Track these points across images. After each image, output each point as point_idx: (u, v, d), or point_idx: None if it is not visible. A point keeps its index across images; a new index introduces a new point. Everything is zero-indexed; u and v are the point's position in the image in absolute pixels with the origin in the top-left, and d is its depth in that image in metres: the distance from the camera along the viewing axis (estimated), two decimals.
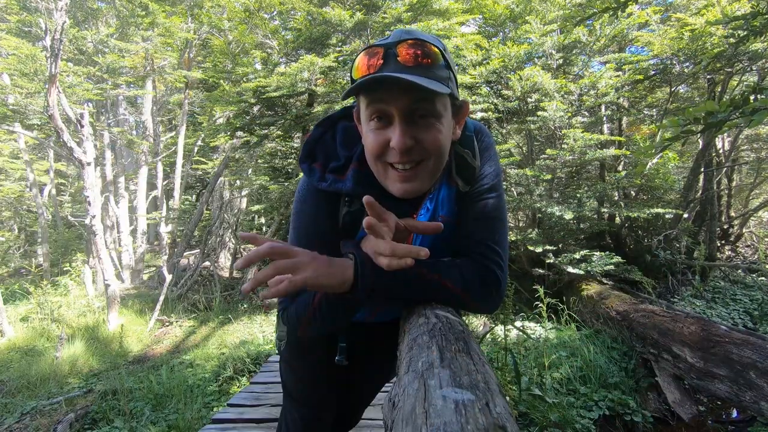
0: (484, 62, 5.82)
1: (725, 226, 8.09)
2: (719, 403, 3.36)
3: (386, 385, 1.46)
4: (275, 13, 6.78)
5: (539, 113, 5.38)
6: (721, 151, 7.77)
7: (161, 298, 6.36)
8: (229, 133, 7.15)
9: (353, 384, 1.23)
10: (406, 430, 0.40)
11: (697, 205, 7.07)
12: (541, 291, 4.22)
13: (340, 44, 6.17)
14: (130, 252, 9.70)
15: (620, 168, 6.50)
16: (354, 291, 0.76)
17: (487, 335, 3.66)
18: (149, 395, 3.69)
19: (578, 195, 5.86)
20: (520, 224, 7.59)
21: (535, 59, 6.16)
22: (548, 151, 5.51)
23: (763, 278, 5.88)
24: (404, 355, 0.63)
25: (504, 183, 6.14)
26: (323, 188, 0.84)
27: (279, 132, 6.90)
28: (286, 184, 6.31)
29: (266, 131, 6.85)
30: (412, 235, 0.88)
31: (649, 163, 5.63)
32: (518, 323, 4.47)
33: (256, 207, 7.90)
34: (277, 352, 0.68)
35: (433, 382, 0.45)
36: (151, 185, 11.81)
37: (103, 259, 6.14)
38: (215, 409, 3.28)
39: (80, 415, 3.48)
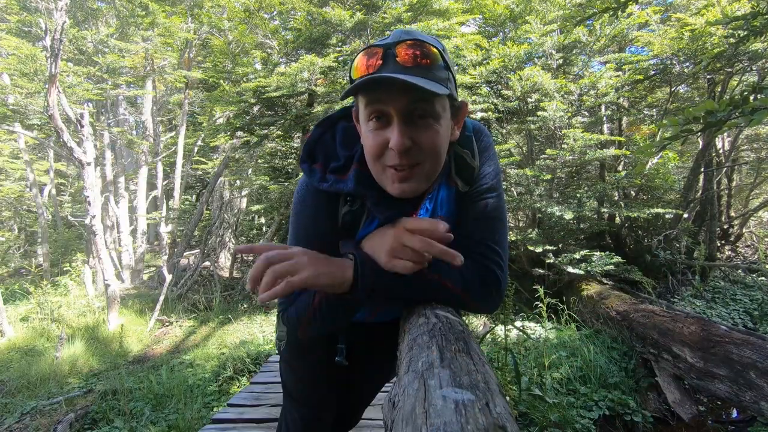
0: (484, 62, 5.82)
1: (725, 226, 8.09)
2: (719, 403, 3.36)
3: (386, 385, 1.46)
4: (275, 13, 6.78)
5: (539, 113, 5.38)
6: (721, 151, 7.77)
7: (161, 298, 6.36)
8: (229, 133, 7.15)
9: (353, 384, 1.22)
10: (406, 430, 0.40)
11: (697, 205, 7.07)
12: (541, 291, 4.22)
13: (340, 44, 6.17)
14: (130, 252, 9.70)
15: (620, 168, 6.50)
16: (354, 291, 0.76)
17: (487, 335, 3.66)
18: (149, 395, 3.69)
19: (578, 195, 5.86)
20: (520, 224, 7.59)
21: (535, 59, 6.16)
22: (548, 151, 5.51)
23: (763, 278, 5.88)
24: (404, 355, 0.63)
25: (504, 183, 6.12)
26: (324, 189, 0.84)
27: (279, 132, 6.90)
28: (286, 184, 6.31)
29: (266, 131, 6.85)
30: None
31: (649, 163, 5.63)
32: (518, 323, 4.47)
33: (256, 207, 7.91)
34: (277, 352, 0.68)
35: (433, 382, 0.45)
36: (151, 185, 11.82)
37: (103, 259, 6.14)
38: (215, 409, 3.28)
39: (80, 415, 3.48)
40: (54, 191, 12.40)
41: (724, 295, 5.33)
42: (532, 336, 4.11)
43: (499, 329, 3.57)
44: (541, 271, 5.53)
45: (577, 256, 5.00)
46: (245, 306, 6.76)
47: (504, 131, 6.73)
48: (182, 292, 7.11)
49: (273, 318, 6.14)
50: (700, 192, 6.97)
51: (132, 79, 9.90)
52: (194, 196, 13.28)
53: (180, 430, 3.06)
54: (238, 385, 3.99)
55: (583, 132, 5.03)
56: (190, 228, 8.17)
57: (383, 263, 0.77)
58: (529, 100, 5.85)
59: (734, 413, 3.31)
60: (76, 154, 5.85)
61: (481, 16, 6.92)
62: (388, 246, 0.77)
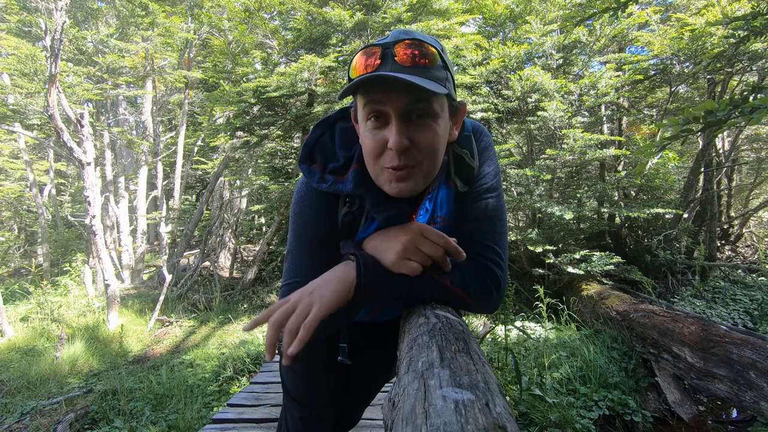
0: (484, 62, 5.83)
1: (725, 226, 8.09)
2: (719, 403, 3.36)
3: (386, 385, 1.46)
4: (275, 13, 6.78)
5: (539, 113, 5.38)
6: (721, 151, 7.77)
7: (161, 298, 6.36)
8: (229, 133, 7.15)
9: (353, 384, 1.22)
10: (406, 430, 0.40)
11: (697, 205, 7.07)
12: (541, 291, 4.22)
13: (340, 44, 6.17)
14: (130, 252, 9.70)
15: (620, 168, 6.50)
16: (356, 292, 0.77)
17: (487, 335, 3.66)
18: (149, 395, 3.69)
19: (578, 195, 5.87)
20: (520, 224, 7.59)
21: (535, 59, 6.16)
22: (548, 151, 5.51)
23: (763, 278, 5.88)
24: (404, 355, 0.63)
25: (504, 183, 6.12)
26: (324, 189, 0.84)
27: (279, 132, 6.90)
28: (286, 184, 6.30)
29: (266, 131, 6.86)
30: None
31: (649, 163, 5.63)
32: (518, 323, 4.47)
33: (256, 207, 7.91)
34: (277, 352, 0.67)
35: (433, 382, 0.45)
36: (151, 185, 11.82)
37: (103, 259, 6.14)
38: (215, 409, 3.27)
39: (80, 415, 3.48)
40: (54, 191, 12.41)
41: (724, 295, 5.33)
42: (532, 336, 4.11)
43: (499, 329, 3.57)
44: (541, 271, 5.54)
45: (577, 256, 5.00)
46: (245, 306, 6.76)
47: (504, 131, 6.73)
48: (182, 292, 7.11)
49: None
50: (700, 192, 6.97)
51: (132, 79, 9.89)
52: (194, 196, 13.30)
53: (180, 430, 3.06)
54: (238, 385, 3.99)
55: (583, 132, 5.03)
56: (190, 228, 8.18)
57: (391, 263, 0.78)
58: (529, 100, 5.85)
59: (734, 413, 3.31)
60: (76, 154, 5.85)
61: (481, 16, 6.92)
62: (401, 247, 0.77)
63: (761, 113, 1.14)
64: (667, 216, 6.23)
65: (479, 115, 5.83)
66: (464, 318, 4.44)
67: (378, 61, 0.73)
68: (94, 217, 6.01)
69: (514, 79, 5.48)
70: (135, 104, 12.82)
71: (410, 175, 0.77)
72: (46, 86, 5.82)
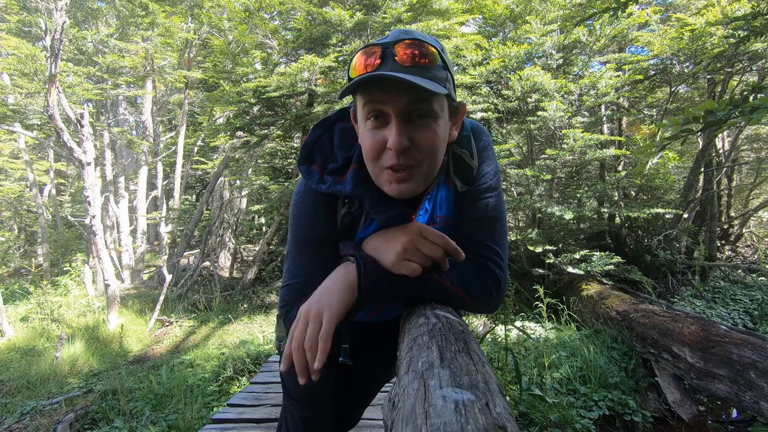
0: (484, 62, 5.82)
1: (725, 226, 8.10)
2: (719, 403, 3.36)
3: (386, 385, 1.46)
4: (275, 13, 6.78)
5: (539, 113, 5.38)
6: (721, 151, 7.77)
7: (161, 298, 6.36)
8: (229, 133, 7.15)
9: (353, 384, 1.22)
10: (406, 430, 0.40)
11: (697, 205, 7.07)
12: (541, 291, 4.22)
13: (340, 44, 6.17)
14: (130, 252, 9.70)
15: (620, 168, 6.50)
16: (357, 293, 0.77)
17: (487, 335, 3.66)
18: (149, 395, 3.69)
19: (578, 195, 5.87)
20: (520, 224, 7.59)
21: (535, 59, 6.16)
22: (548, 151, 5.51)
23: (763, 278, 5.89)
24: (404, 355, 0.62)
25: (504, 183, 6.12)
26: (323, 190, 0.84)
27: (279, 132, 6.90)
28: (286, 184, 6.31)
29: (266, 131, 6.86)
30: None
31: (649, 163, 5.63)
32: (518, 323, 4.47)
33: (256, 207, 7.91)
34: (277, 352, 0.68)
35: (433, 382, 0.45)
36: (151, 185, 11.82)
37: (103, 259, 6.14)
38: (215, 409, 3.27)
39: (80, 415, 3.48)
40: (54, 191, 12.41)
41: (724, 295, 5.33)
42: (532, 336, 4.11)
43: (499, 329, 3.57)
44: (541, 271, 5.54)
45: (577, 256, 5.00)
46: (245, 306, 6.76)
47: (504, 131, 6.73)
48: (182, 292, 7.11)
49: (273, 318, 6.14)
50: (700, 192, 6.97)
51: (132, 79, 9.90)
52: (194, 196, 13.31)
53: (180, 430, 3.06)
54: (238, 385, 3.99)
55: (583, 132, 5.03)
56: (190, 228, 8.18)
57: (390, 264, 0.78)
58: (529, 100, 5.85)
59: (734, 413, 3.31)
60: (76, 154, 5.85)
61: (481, 16, 6.92)
62: (401, 248, 0.77)
63: (761, 113, 1.14)
64: (667, 216, 6.23)
65: (479, 115, 5.83)
66: (464, 318, 4.44)
67: (378, 61, 0.73)
68: (94, 217, 6.01)
69: (514, 79, 5.48)
70: (135, 104, 12.83)
71: (410, 175, 0.77)
72: (46, 86, 5.82)
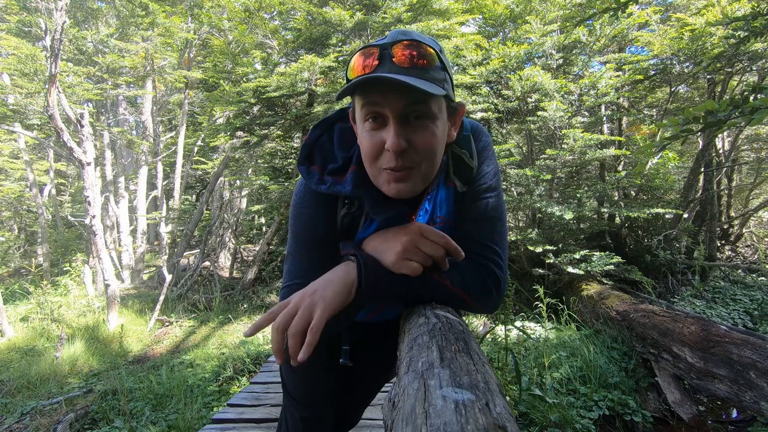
0: (484, 62, 5.83)
1: (725, 226, 8.10)
2: (719, 403, 3.36)
3: (386, 385, 1.46)
4: (275, 13, 6.78)
5: (539, 113, 5.38)
6: (721, 151, 7.77)
7: (161, 298, 6.36)
8: (229, 133, 7.15)
9: (353, 384, 1.22)
10: (406, 430, 0.40)
11: (697, 205, 7.07)
12: (541, 291, 4.22)
13: (340, 44, 6.17)
14: (130, 252, 9.70)
15: (620, 168, 6.50)
16: (357, 293, 0.76)
17: (487, 335, 3.66)
18: (149, 395, 3.69)
19: (578, 195, 5.87)
20: (520, 224, 7.59)
21: (535, 59, 6.16)
22: (548, 151, 5.51)
23: (763, 278, 5.89)
24: (404, 355, 0.63)
25: (504, 183, 6.11)
26: (323, 191, 0.84)
27: (279, 132, 6.90)
28: (286, 184, 6.31)
29: (266, 131, 6.86)
30: None
31: (649, 163, 5.63)
32: (518, 323, 4.47)
33: (256, 207, 7.91)
34: None
35: (433, 382, 0.45)
36: (151, 185, 11.82)
37: (103, 259, 6.14)
38: (215, 409, 3.27)
39: (80, 415, 3.48)
40: (54, 191, 12.41)
41: (724, 295, 5.33)
42: (532, 336, 4.11)
43: (499, 329, 3.57)
44: (541, 271, 5.54)
45: (577, 256, 5.00)
46: (245, 306, 6.76)
47: (504, 131, 6.73)
48: (182, 292, 7.11)
49: None
50: (700, 192, 6.97)
51: (132, 79, 9.90)
52: (194, 196, 13.31)
53: (180, 430, 3.06)
54: (238, 385, 3.99)
55: (583, 132, 5.03)
56: (190, 228, 8.18)
57: (391, 263, 0.78)
58: (529, 100, 5.85)
59: (734, 413, 3.31)
60: (76, 154, 5.85)
61: (481, 16, 6.92)
62: (401, 247, 0.77)
63: (761, 114, 1.14)
64: (667, 216, 6.23)
65: (479, 115, 5.83)
66: (464, 318, 4.44)
67: (376, 62, 0.72)
68: (94, 217, 6.01)
69: (514, 79, 5.48)
70: (135, 104, 12.83)
71: (408, 176, 0.77)
72: (46, 86, 5.82)
